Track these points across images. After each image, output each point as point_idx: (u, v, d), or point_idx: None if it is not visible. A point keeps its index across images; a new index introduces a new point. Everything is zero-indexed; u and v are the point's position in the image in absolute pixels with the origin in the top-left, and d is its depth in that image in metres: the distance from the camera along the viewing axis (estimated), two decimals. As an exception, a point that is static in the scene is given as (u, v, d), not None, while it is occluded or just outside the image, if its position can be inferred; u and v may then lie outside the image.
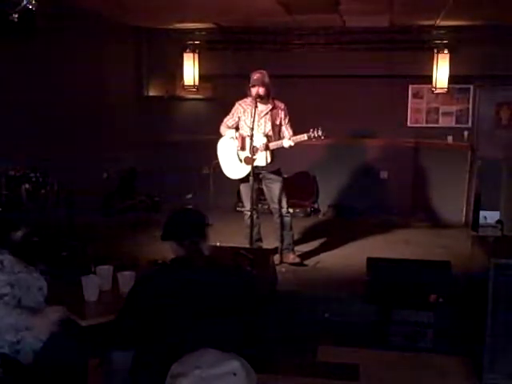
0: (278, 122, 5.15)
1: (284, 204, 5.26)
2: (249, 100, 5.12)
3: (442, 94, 7.48)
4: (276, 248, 5.32)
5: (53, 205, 4.85)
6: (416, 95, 7.72)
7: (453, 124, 7.64)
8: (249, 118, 5.05)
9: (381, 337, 4.13)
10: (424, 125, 7.71)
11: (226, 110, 7.57)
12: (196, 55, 7.71)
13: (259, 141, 5.00)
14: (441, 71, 7.25)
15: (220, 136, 5.37)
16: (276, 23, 7.10)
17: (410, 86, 7.68)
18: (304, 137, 4.94)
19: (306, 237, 5.91)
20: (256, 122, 5.00)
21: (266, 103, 5.09)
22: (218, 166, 5.40)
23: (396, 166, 7.60)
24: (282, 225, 5.27)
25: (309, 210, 7.61)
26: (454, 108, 7.64)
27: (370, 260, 4.51)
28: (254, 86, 4.98)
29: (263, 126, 5.09)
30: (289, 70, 7.28)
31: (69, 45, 6.02)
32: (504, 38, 6.81)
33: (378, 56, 7.31)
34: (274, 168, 5.19)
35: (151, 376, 2.42)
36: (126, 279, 3.04)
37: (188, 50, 7.70)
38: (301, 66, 7.39)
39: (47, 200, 4.71)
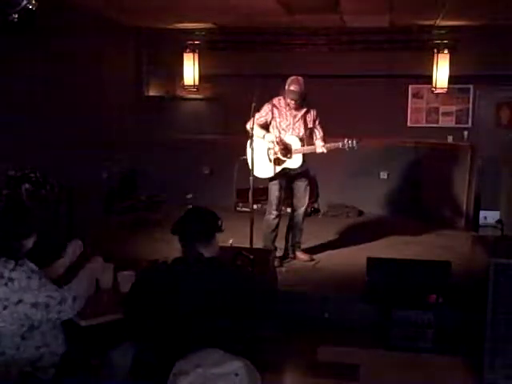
0: (310, 126, 5.16)
1: (307, 201, 5.32)
2: (283, 102, 5.10)
3: (442, 93, 7.48)
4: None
5: (53, 205, 4.85)
6: (416, 95, 7.72)
7: (453, 124, 7.64)
8: (284, 121, 5.10)
9: (381, 337, 4.13)
10: (424, 125, 7.71)
11: (226, 110, 7.60)
12: (196, 55, 7.71)
13: (295, 144, 5.05)
14: (441, 71, 7.25)
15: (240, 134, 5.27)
16: (276, 23, 7.10)
17: (410, 86, 7.69)
18: (338, 145, 4.99)
19: (305, 237, 5.89)
20: (291, 125, 5.08)
21: (301, 109, 5.11)
22: (243, 162, 5.15)
23: (396, 166, 7.60)
24: (298, 221, 5.35)
25: (309, 209, 7.60)
26: (453, 108, 7.64)
27: (369, 260, 4.51)
28: (292, 99, 4.99)
29: (298, 130, 5.10)
30: (289, 69, 7.25)
31: (69, 45, 6.01)
32: (504, 38, 6.81)
33: (378, 56, 7.31)
34: (303, 169, 5.23)
35: (151, 376, 2.42)
36: (126, 279, 3.04)
37: (188, 50, 7.71)
38: (301, 65, 7.37)
39: (47, 200, 4.71)
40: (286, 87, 5.02)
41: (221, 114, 7.71)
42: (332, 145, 5.03)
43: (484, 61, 6.98)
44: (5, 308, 2.48)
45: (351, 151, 4.99)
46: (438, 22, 6.89)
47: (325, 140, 5.16)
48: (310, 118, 5.16)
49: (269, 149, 5.12)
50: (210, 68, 7.76)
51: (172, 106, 8.15)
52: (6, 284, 2.49)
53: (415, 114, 7.74)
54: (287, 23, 7.03)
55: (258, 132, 5.06)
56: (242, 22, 7.13)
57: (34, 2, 3.66)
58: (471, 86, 7.53)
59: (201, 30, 7.68)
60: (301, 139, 5.08)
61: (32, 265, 2.63)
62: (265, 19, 6.83)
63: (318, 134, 5.17)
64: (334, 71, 7.38)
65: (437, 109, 7.69)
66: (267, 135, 5.11)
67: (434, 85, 7.34)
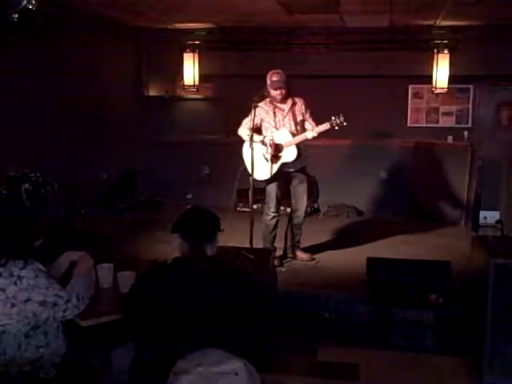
0: (300, 118, 5.12)
1: (305, 202, 5.29)
2: (268, 101, 5.09)
3: (442, 93, 7.48)
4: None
5: (53, 205, 4.85)
6: (416, 95, 7.72)
7: (453, 124, 7.64)
8: (272, 119, 5.07)
9: (381, 337, 4.13)
10: (424, 125, 7.71)
11: (226, 110, 7.58)
12: (196, 55, 7.71)
13: (284, 138, 5.01)
14: (441, 71, 7.26)
15: (237, 138, 5.26)
16: (276, 23, 7.11)
17: (410, 86, 7.69)
18: (327, 125, 4.90)
19: (305, 237, 5.90)
20: (281, 122, 5.05)
21: (286, 101, 5.09)
22: (244, 171, 5.14)
23: (396, 165, 7.60)
24: (298, 222, 5.33)
25: (309, 209, 7.60)
26: (453, 108, 7.64)
27: (369, 260, 4.51)
28: (277, 88, 4.96)
29: (288, 125, 5.08)
30: (289, 70, 7.25)
31: (69, 45, 6.02)
32: (504, 38, 6.82)
33: (378, 56, 7.31)
34: (301, 165, 5.18)
35: (151, 376, 2.43)
36: (126, 279, 3.04)
37: (188, 50, 7.71)
38: (301, 66, 7.38)
39: (47, 200, 4.71)
40: (268, 81, 4.99)
41: (221, 114, 7.70)
42: (321, 126, 4.93)
43: (484, 61, 6.99)
44: (13, 306, 2.49)
45: (341, 128, 4.90)
46: (438, 21, 6.89)
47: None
48: (298, 109, 5.12)
49: (262, 149, 5.10)
50: (209, 68, 7.76)
51: (172, 106, 8.15)
52: (15, 282, 2.50)
53: (415, 114, 7.74)
54: (287, 23, 7.04)
55: (250, 137, 5.08)
56: (242, 22, 7.13)
57: (33, 1, 3.66)
58: (471, 86, 7.53)
59: (201, 29, 7.68)
60: (292, 133, 5.04)
61: (39, 264, 2.65)
62: (265, 19, 6.83)
63: (311, 126, 5.07)
64: (333, 71, 7.38)
65: (437, 109, 7.69)
66: (256, 137, 5.09)
67: (433, 85, 7.34)
